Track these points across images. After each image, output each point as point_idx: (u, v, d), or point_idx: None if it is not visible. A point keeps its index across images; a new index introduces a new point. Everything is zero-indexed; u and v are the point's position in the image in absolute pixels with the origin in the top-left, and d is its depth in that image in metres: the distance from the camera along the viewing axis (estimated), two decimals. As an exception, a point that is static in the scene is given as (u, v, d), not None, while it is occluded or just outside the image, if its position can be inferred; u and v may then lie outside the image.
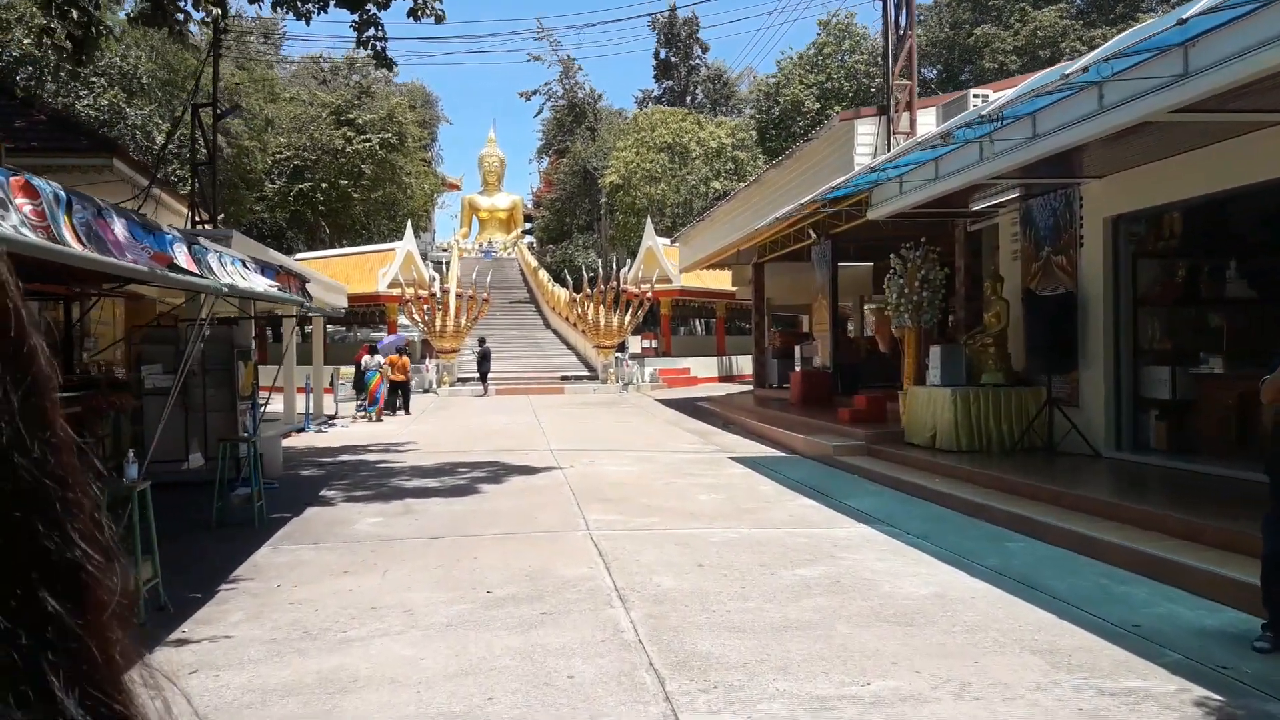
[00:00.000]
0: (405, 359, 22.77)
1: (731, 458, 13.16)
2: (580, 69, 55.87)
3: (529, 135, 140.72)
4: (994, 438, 11.35)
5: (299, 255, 35.35)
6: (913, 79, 13.12)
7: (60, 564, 0.45)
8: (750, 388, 27.37)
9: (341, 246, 38.83)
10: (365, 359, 21.54)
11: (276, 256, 14.57)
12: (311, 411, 21.39)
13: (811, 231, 18.79)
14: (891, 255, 12.63)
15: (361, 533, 8.09)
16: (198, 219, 13.21)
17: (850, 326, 23.63)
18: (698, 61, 54.20)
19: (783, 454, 13.70)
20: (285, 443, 16.27)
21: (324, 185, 36.32)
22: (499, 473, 11.70)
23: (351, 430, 18.73)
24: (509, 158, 76.97)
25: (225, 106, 16.74)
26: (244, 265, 8.68)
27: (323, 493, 10.37)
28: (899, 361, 14.31)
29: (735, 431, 17.15)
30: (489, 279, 33.85)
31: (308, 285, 11.77)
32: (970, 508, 8.78)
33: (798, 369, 19.35)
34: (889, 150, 12.63)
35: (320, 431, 18.23)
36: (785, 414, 16.79)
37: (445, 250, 62.69)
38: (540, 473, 11.69)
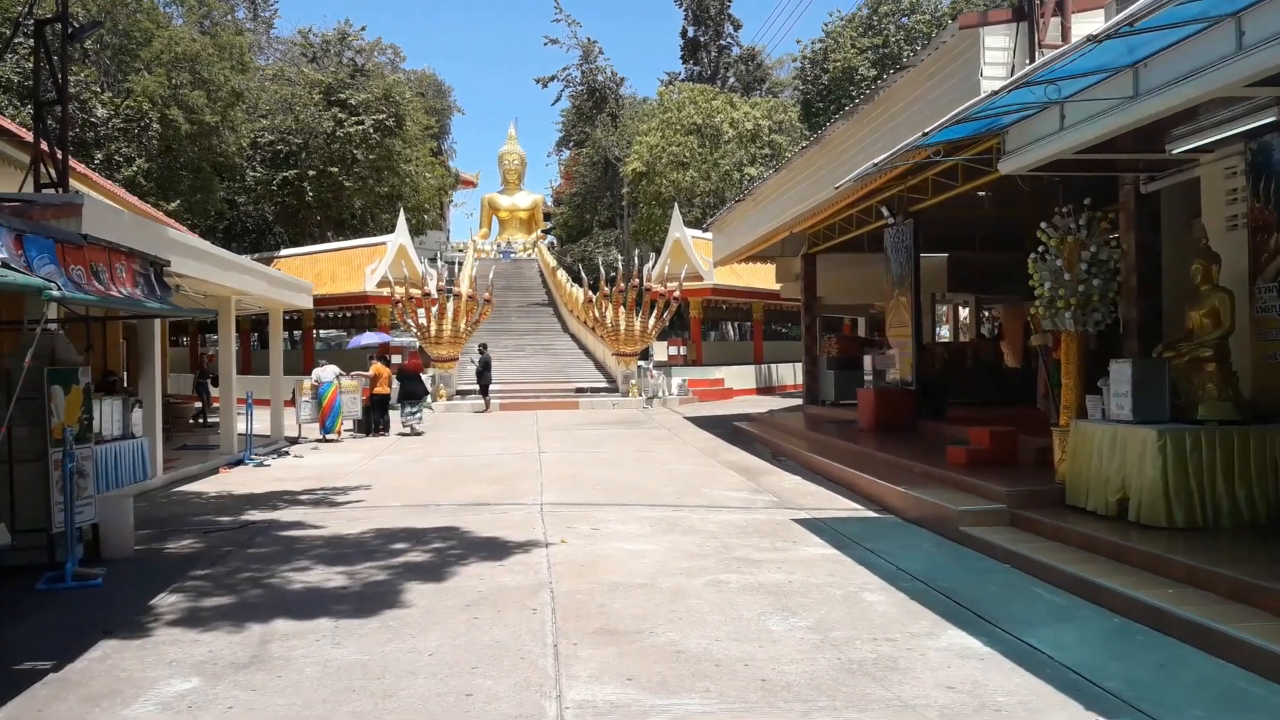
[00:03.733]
0: (384, 368, 18.89)
1: (799, 520, 9.10)
2: (601, 52, 51.72)
3: (550, 134, 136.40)
4: (1224, 507, 7.19)
5: (281, 253, 31.62)
6: (1067, -34, 9.07)
7: None
8: (795, 402, 23.22)
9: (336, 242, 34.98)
10: (316, 371, 17.70)
11: (164, 236, 10.71)
12: (268, 433, 17.62)
13: (884, 210, 14.67)
14: (1042, 225, 8.51)
15: (121, 737, 4.12)
16: (44, 178, 9.35)
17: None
18: (729, 41, 49.72)
19: (871, 512, 9.61)
20: (198, 486, 12.41)
21: (311, 173, 32.34)
22: (451, 555, 7.72)
23: (304, 462, 14.84)
24: (530, 159, 73.41)
25: (80, 23, 12.86)
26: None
27: (154, 600, 6.44)
28: (1034, 379, 10.22)
29: (790, 468, 13.09)
30: (490, 278, 29.98)
31: (167, 270, 7.88)
32: (1287, 672, 4.65)
33: (867, 384, 15.21)
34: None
35: (262, 465, 14.34)
36: (859, 446, 12.68)
37: (460, 250, 59.28)
38: (514, 554, 7.70)
